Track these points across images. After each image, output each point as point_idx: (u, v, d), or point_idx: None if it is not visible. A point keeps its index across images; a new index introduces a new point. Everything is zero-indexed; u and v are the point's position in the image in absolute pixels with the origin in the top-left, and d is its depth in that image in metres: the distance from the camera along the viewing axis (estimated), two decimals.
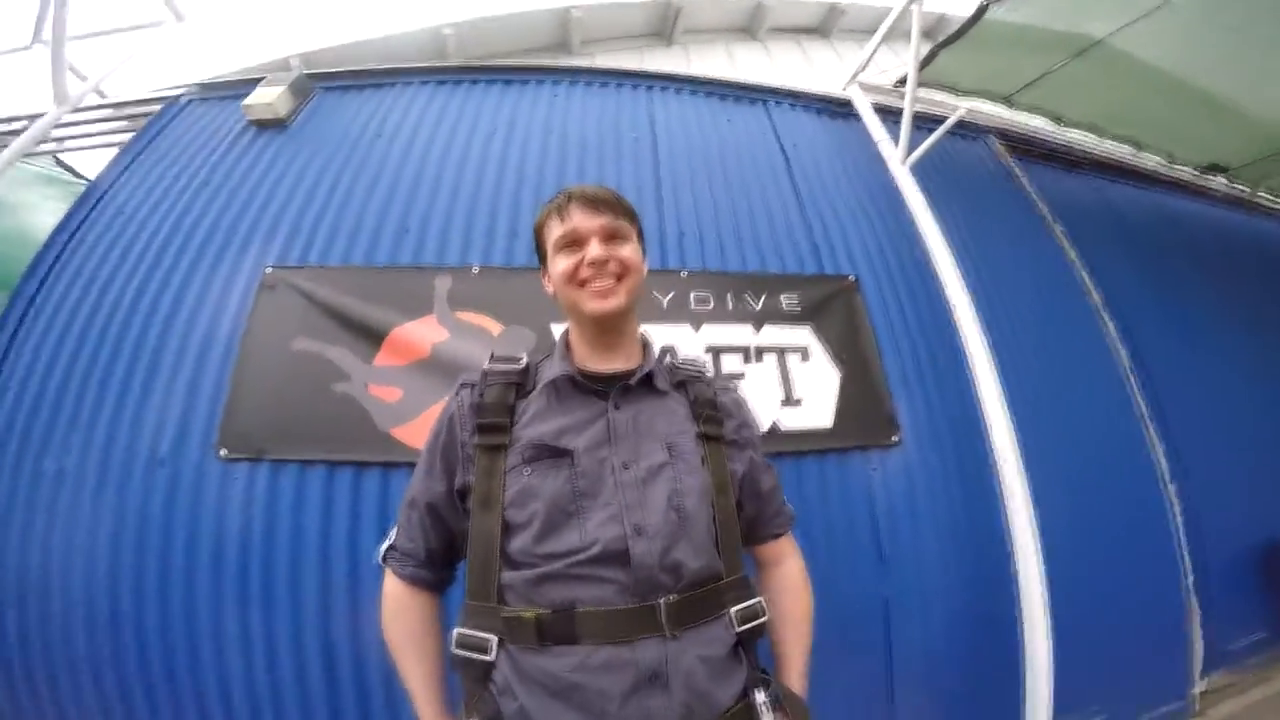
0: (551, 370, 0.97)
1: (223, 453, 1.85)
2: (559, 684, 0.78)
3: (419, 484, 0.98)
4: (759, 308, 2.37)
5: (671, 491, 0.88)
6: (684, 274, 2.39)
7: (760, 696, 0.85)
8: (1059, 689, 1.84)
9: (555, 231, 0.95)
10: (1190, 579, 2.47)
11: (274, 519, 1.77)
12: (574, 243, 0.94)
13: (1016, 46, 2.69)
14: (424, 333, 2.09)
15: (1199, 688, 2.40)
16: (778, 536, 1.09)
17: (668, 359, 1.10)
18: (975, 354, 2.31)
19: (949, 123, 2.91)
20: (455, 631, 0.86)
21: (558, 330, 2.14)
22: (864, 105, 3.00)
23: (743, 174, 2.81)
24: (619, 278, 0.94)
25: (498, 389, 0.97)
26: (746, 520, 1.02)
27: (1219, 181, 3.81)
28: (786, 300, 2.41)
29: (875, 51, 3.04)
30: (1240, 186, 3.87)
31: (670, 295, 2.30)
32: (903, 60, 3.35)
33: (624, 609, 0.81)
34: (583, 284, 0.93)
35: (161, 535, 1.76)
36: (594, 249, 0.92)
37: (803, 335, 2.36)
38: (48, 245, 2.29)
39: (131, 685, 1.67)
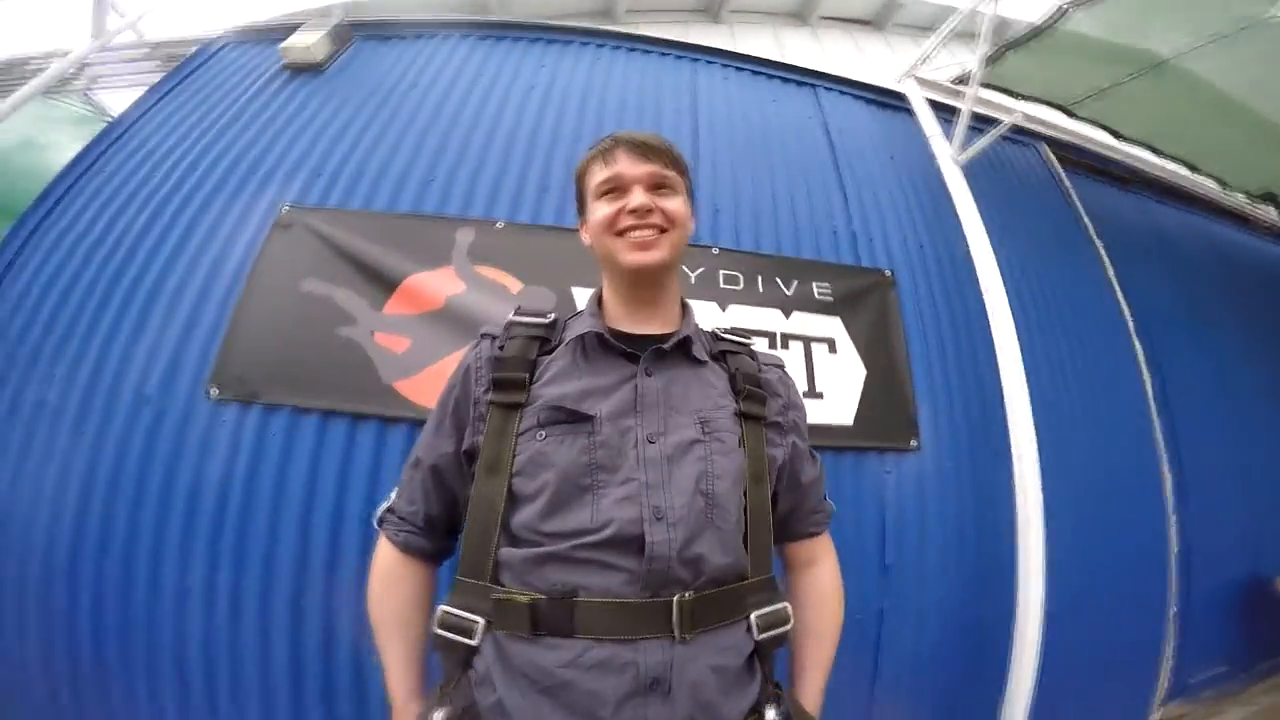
0: (580, 326, 0.84)
1: (213, 392, 1.63)
2: (547, 680, 0.65)
3: (426, 442, 0.86)
4: (790, 293, 2.11)
5: (701, 473, 0.74)
6: (715, 251, 2.14)
7: (771, 715, 0.71)
8: (1032, 710, 1.71)
9: (597, 176, 0.82)
10: (1174, 609, 2.30)
11: (258, 467, 1.56)
12: (616, 189, 0.81)
13: (1083, 56, 2.41)
14: (440, 284, 1.86)
15: (1155, 716, 2.24)
16: (813, 535, 0.92)
17: (709, 326, 0.94)
18: (1008, 367, 2.06)
19: (1005, 124, 2.62)
20: (439, 609, 0.73)
21: (580, 294, 1.91)
22: (919, 99, 2.70)
23: (785, 156, 2.53)
24: (662, 230, 0.80)
25: (520, 342, 0.84)
26: (781, 514, 0.87)
27: (1270, 213, 3.46)
28: (819, 289, 2.15)
29: (934, 49, 2.72)
30: None
31: (700, 271, 2.05)
32: (958, 59, 3.07)
33: (631, 602, 0.67)
34: (622, 233, 0.79)
35: (136, 477, 1.54)
36: (637, 197, 0.79)
37: (832, 326, 2.11)
38: (61, 176, 2.06)
39: (82, 633, 1.47)
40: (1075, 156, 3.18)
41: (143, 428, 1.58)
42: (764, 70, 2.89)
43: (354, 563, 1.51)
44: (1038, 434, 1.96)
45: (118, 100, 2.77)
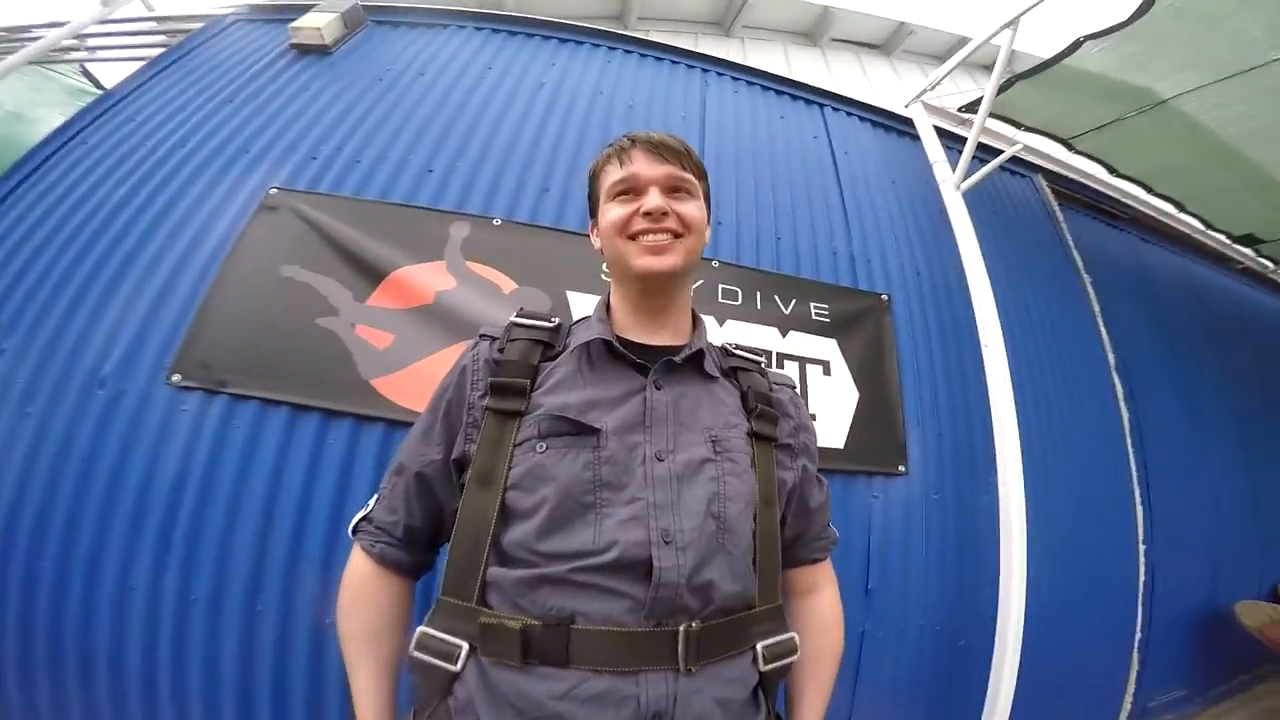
0: (586, 333, 0.74)
1: (174, 379, 1.42)
2: (536, 711, 0.57)
3: (412, 447, 0.75)
4: (787, 312, 1.95)
5: (712, 495, 0.66)
6: (715, 264, 1.97)
7: None
8: None
9: (612, 176, 0.74)
10: (1139, 637, 2.22)
11: (217, 461, 1.35)
12: (631, 190, 0.72)
13: (1087, 91, 2.30)
14: (429, 278, 1.68)
15: None
16: (816, 562, 0.84)
17: (720, 342, 0.85)
18: (999, 400, 1.91)
19: (1007, 154, 2.48)
20: (419, 631, 0.63)
21: (575, 299, 1.74)
22: (925, 125, 2.54)
23: (790, 173, 2.36)
24: (677, 235, 0.71)
25: (522, 345, 0.74)
26: (785, 540, 0.78)
27: (1245, 253, 3.37)
28: (816, 309, 1.99)
29: (946, 75, 2.56)
30: (1264, 260, 3.42)
31: (698, 284, 1.88)
32: (960, 87, 2.93)
33: (634, 631, 0.59)
34: (634, 237, 0.71)
35: (83, 464, 1.32)
36: (653, 199, 0.70)
37: (828, 348, 1.95)
38: (41, 145, 1.82)
39: (7, 630, 1.26)
40: (1069, 190, 3.04)
41: (94, 412, 1.36)
42: (773, 86, 2.71)
43: (315, 570, 1.32)
44: (1023, 465, 1.84)
45: (117, 75, 2.54)
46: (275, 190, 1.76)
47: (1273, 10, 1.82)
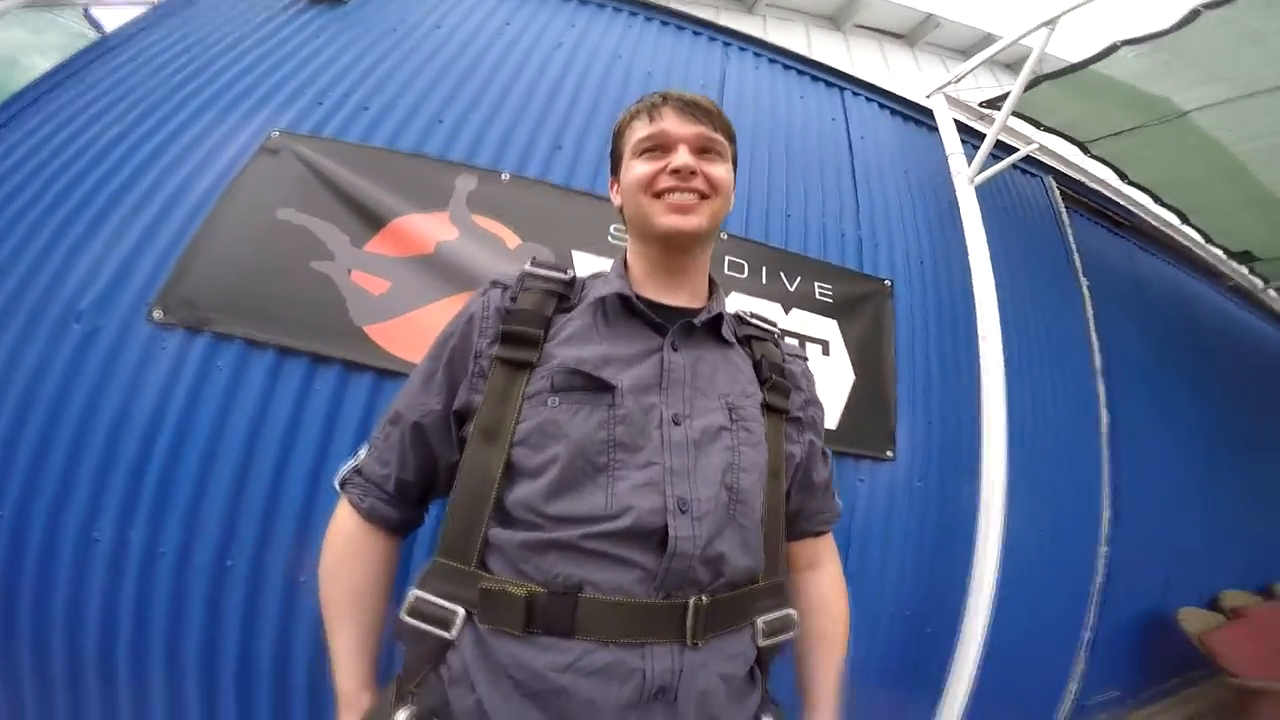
0: (605, 287, 0.66)
1: (156, 315, 1.24)
2: (538, 684, 0.49)
3: (410, 396, 0.66)
4: (792, 289, 1.78)
5: (728, 465, 0.59)
6: (724, 236, 1.79)
7: None
8: None
9: (640, 132, 0.65)
10: (1087, 636, 2.12)
11: (196, 404, 1.18)
12: (660, 147, 0.64)
13: (1109, 97, 2.10)
14: (432, 228, 1.50)
15: None
16: (819, 534, 0.77)
17: (733, 309, 0.76)
18: (990, 392, 1.78)
19: (1022, 153, 2.29)
20: (412, 594, 0.55)
21: (580, 259, 1.57)
22: (945, 117, 2.32)
23: (805, 152, 2.15)
24: (703, 196, 0.64)
25: (536, 295, 0.65)
26: (789, 513, 0.70)
27: (1238, 270, 3.18)
28: (820, 289, 1.82)
29: (973, 69, 2.32)
30: (1255, 278, 3.23)
31: None
32: (980, 83, 2.70)
33: (644, 603, 0.52)
34: (659, 195, 0.63)
35: (50, 403, 1.14)
36: (682, 156, 0.63)
37: (829, 329, 1.79)
38: (36, 82, 1.58)
39: None
40: (1077, 193, 2.82)
41: (68, 347, 1.18)
42: (795, 65, 2.47)
43: (293, 525, 1.17)
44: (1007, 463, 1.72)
45: (123, 20, 2.27)
46: (277, 133, 1.56)
47: None
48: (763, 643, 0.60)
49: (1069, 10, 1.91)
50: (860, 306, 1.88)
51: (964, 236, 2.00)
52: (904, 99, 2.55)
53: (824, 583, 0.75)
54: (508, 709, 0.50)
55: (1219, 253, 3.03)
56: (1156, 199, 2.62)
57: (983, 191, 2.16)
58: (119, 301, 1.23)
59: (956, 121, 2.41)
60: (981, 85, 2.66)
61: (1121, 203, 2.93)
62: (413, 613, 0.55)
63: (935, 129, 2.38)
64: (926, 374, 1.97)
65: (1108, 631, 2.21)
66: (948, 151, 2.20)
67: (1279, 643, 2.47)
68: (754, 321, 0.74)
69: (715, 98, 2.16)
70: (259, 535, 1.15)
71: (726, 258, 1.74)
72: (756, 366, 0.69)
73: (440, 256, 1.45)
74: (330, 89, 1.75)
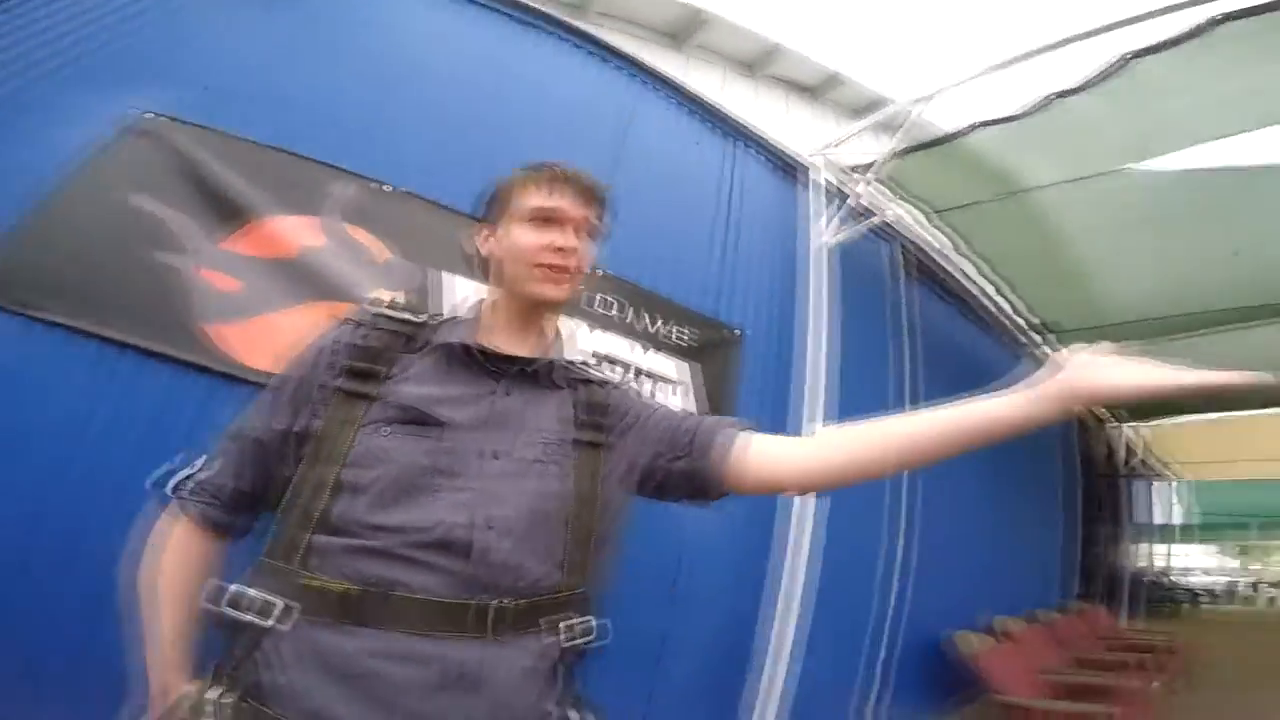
0: (452, 334, 0.72)
1: None
2: (349, 668, 0.56)
3: (255, 417, 0.70)
4: (654, 331, 1.97)
5: (537, 492, 0.67)
6: (600, 272, 1.92)
7: (575, 717, 0.67)
8: None
9: (533, 200, 0.71)
10: (883, 656, 2.44)
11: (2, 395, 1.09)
12: (552, 220, 0.70)
13: (966, 170, 2.41)
14: (298, 232, 1.49)
15: None
16: (741, 445, 0.72)
17: (579, 354, 0.84)
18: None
19: (876, 220, 2.62)
20: (231, 589, 0.60)
21: (447, 279, 1.64)
22: (817, 179, 2.60)
23: (688, 198, 2.34)
24: (575, 271, 0.72)
25: (385, 335, 0.71)
26: (696, 456, 0.73)
27: (1036, 340, 3.74)
28: (679, 333, 2.03)
29: (852, 136, 2.61)
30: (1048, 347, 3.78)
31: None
32: (866, 147, 2.99)
33: (449, 602, 0.60)
34: (539, 265, 0.70)
35: None
36: (570, 238, 0.71)
37: (684, 372, 2.00)
38: None
39: None
40: (919, 262, 3.21)
41: None
42: (699, 112, 2.61)
43: (96, 527, 1.07)
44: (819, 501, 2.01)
45: None
46: (149, 115, 1.44)
47: (1143, 121, 1.94)
48: (564, 644, 0.69)
49: (943, 90, 2.15)
50: (714, 353, 2.11)
51: (810, 294, 2.30)
52: (788, 157, 2.77)
53: (787, 442, 0.78)
54: (318, 688, 0.57)
55: (1022, 323, 3.60)
56: (990, 268, 3.06)
57: (837, 251, 2.48)
58: None
59: (828, 182, 2.70)
60: (864, 143, 2.94)
61: (953, 272, 3.40)
62: (233, 604, 0.61)
63: (808, 187, 2.62)
64: (760, 419, 2.25)
65: (902, 653, 2.51)
66: (812, 213, 2.50)
67: (1040, 662, 2.94)
68: (580, 369, 0.82)
69: (621, 135, 2.32)
70: (59, 535, 1.10)
71: (598, 295, 1.89)
72: (577, 408, 0.77)
73: (302, 262, 1.46)
74: (217, 71, 1.62)
